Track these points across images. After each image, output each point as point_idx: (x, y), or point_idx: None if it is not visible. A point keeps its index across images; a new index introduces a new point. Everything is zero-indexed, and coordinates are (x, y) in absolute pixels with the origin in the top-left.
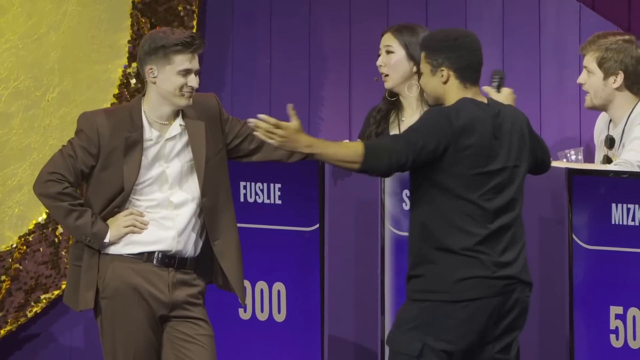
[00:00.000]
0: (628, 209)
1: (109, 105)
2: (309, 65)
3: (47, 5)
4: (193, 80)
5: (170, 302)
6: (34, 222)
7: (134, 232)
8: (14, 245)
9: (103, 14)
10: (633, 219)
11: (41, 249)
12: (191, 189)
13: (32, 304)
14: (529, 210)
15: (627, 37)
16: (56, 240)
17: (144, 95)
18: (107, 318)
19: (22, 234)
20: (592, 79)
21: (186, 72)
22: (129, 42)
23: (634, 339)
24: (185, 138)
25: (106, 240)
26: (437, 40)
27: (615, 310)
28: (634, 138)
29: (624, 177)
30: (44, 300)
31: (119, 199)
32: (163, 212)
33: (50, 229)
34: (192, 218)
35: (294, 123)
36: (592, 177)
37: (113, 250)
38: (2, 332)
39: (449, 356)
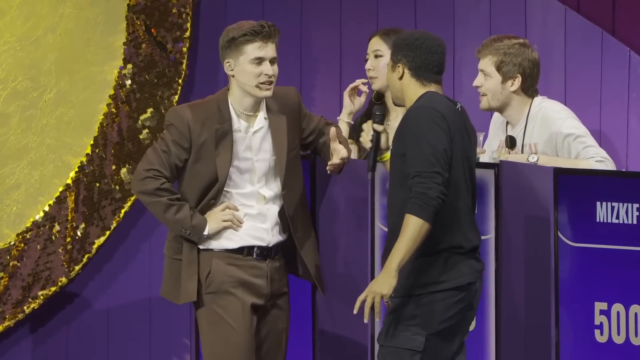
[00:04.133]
0: (612, 207)
1: (104, 106)
2: (300, 66)
3: (44, 8)
4: (268, 69)
5: (269, 293)
6: (32, 220)
7: (231, 227)
8: (12, 243)
9: (99, 17)
10: (617, 217)
11: (38, 246)
12: (276, 183)
13: (30, 300)
14: (516, 209)
15: (521, 40)
16: (53, 237)
17: (228, 88)
18: (210, 311)
19: (19, 232)
20: (490, 81)
21: (259, 61)
22: (124, 44)
23: (618, 334)
24: (269, 131)
25: (205, 232)
26: (400, 39)
27: (599, 306)
28: (578, 135)
29: (608, 176)
30: (42, 297)
31: (213, 190)
32: (256, 206)
33: (47, 226)
34: (279, 211)
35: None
36: (577, 177)
37: (213, 245)
38: (1, 328)
39: None
